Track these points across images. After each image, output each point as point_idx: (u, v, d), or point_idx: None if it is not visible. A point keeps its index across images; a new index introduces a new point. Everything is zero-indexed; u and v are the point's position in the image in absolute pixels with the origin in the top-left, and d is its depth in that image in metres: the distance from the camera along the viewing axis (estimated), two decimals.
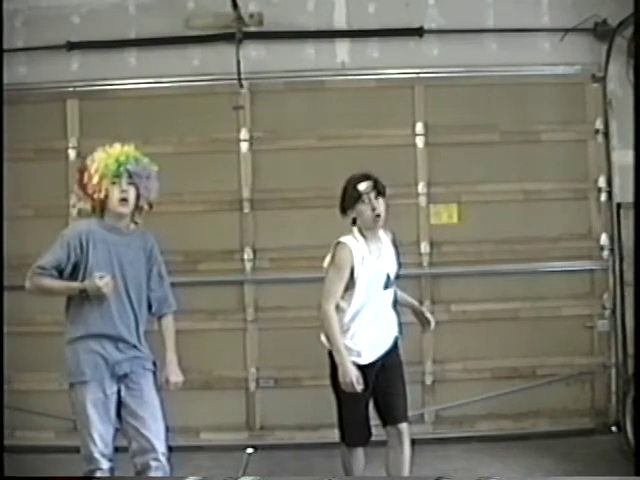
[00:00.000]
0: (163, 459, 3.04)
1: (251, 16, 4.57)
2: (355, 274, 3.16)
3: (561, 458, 4.08)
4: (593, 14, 4.52)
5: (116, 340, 3.04)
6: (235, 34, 4.47)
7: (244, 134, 4.63)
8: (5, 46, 4.21)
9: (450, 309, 4.56)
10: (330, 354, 3.24)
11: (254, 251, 4.60)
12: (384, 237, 3.31)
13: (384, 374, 3.23)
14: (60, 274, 3.01)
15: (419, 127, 4.62)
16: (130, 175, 3.02)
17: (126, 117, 4.62)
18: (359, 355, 3.17)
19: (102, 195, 3.01)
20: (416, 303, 3.55)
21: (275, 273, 4.58)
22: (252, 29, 4.57)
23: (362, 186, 3.18)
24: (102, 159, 3.02)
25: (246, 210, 4.61)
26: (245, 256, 4.58)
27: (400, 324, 3.34)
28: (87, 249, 2.99)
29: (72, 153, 4.62)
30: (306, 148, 4.47)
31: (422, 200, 4.61)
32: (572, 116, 4.65)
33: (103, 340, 3.03)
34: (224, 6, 4.36)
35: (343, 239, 3.20)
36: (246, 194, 4.59)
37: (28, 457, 4.18)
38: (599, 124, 4.62)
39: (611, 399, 4.59)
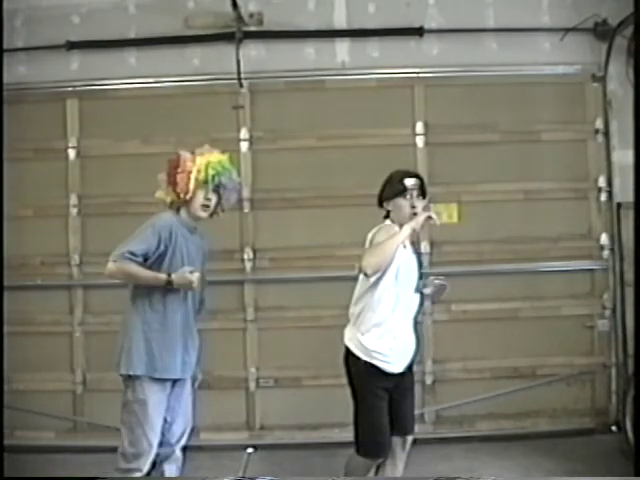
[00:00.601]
0: (179, 452, 3.18)
1: (251, 16, 4.57)
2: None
3: (561, 458, 4.08)
4: (593, 14, 4.52)
5: (187, 339, 3.15)
6: (235, 34, 4.48)
7: (244, 134, 4.63)
8: (5, 46, 4.22)
9: (450, 309, 4.56)
10: (347, 358, 3.17)
11: (254, 251, 4.59)
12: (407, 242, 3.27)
13: (400, 383, 3.19)
14: (144, 262, 3.04)
15: (419, 127, 4.62)
16: (219, 185, 3.12)
17: (126, 117, 4.62)
18: (387, 361, 3.08)
19: (189, 196, 3.09)
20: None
21: (275, 273, 4.58)
22: (252, 29, 4.57)
23: (409, 182, 3.17)
24: (202, 164, 3.09)
25: (246, 210, 4.61)
26: (245, 256, 4.58)
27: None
28: (175, 241, 3.06)
29: (72, 153, 4.62)
30: (306, 148, 4.46)
31: None
32: (572, 116, 4.65)
33: (180, 338, 3.11)
34: (224, 6, 4.36)
35: (387, 222, 3.19)
36: (246, 194, 4.59)
37: (28, 457, 4.17)
38: (599, 124, 4.62)
39: (611, 399, 4.59)
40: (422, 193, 3.20)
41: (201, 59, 4.62)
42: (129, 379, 3.04)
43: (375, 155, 4.54)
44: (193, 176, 3.07)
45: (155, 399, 3.03)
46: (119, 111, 4.63)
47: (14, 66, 4.50)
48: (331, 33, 4.63)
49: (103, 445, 4.43)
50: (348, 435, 4.18)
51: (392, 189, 3.20)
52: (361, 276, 3.15)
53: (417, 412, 4.42)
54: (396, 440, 3.23)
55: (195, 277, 3.01)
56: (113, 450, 4.23)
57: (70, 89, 4.62)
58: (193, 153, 3.15)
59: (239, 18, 4.45)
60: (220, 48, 4.56)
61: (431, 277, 3.24)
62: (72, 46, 4.58)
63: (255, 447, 4.31)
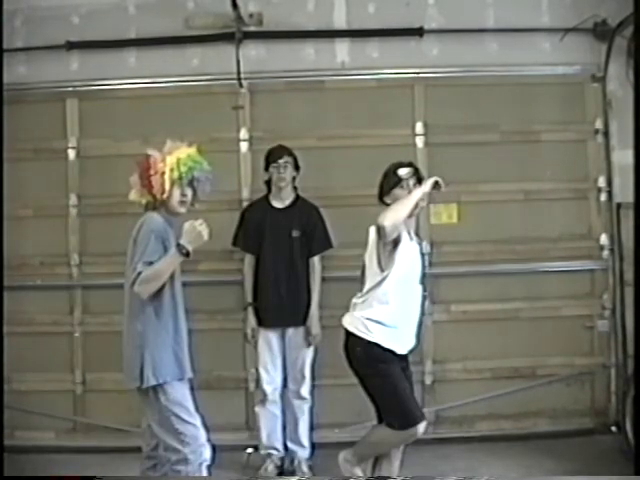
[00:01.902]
0: None
1: (251, 16, 4.57)
2: (400, 245, 3.15)
3: (561, 458, 4.08)
4: (593, 14, 4.52)
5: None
6: (235, 34, 4.47)
7: (244, 134, 4.63)
8: (5, 46, 4.23)
9: (450, 309, 4.56)
10: (347, 343, 3.24)
11: None
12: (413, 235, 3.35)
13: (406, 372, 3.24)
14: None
15: (419, 127, 4.61)
16: (192, 179, 3.11)
17: (126, 117, 4.63)
18: (389, 340, 3.15)
19: (165, 196, 3.08)
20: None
21: None
22: (252, 29, 4.57)
23: (402, 171, 3.24)
24: (173, 163, 3.06)
25: None
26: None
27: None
28: (169, 240, 3.05)
29: (72, 153, 4.62)
30: (306, 148, 4.46)
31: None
32: (572, 116, 4.65)
33: (186, 337, 3.18)
34: (224, 6, 4.36)
35: None
36: (246, 194, 4.58)
37: (28, 457, 4.18)
38: (599, 124, 4.62)
39: (611, 399, 4.59)
40: (418, 181, 3.25)
41: (201, 59, 4.62)
42: (158, 387, 3.02)
43: (375, 155, 4.52)
44: (167, 176, 3.06)
45: (187, 395, 3.08)
46: (119, 111, 4.63)
47: (14, 66, 4.50)
48: (331, 33, 4.63)
49: (103, 445, 4.46)
50: (348, 435, 4.21)
51: (388, 182, 3.29)
52: (374, 269, 3.20)
53: None
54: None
55: (204, 228, 3.00)
56: (113, 450, 4.25)
57: (70, 89, 4.62)
58: (161, 151, 3.13)
59: (239, 18, 4.44)
60: (220, 48, 4.55)
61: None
62: (72, 46, 4.58)
63: (255, 447, 4.31)
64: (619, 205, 4.55)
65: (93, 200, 4.59)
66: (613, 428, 4.49)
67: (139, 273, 2.94)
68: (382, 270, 3.19)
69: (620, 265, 4.54)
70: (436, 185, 3.21)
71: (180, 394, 3.05)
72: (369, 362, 3.17)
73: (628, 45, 4.39)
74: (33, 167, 4.61)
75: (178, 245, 2.97)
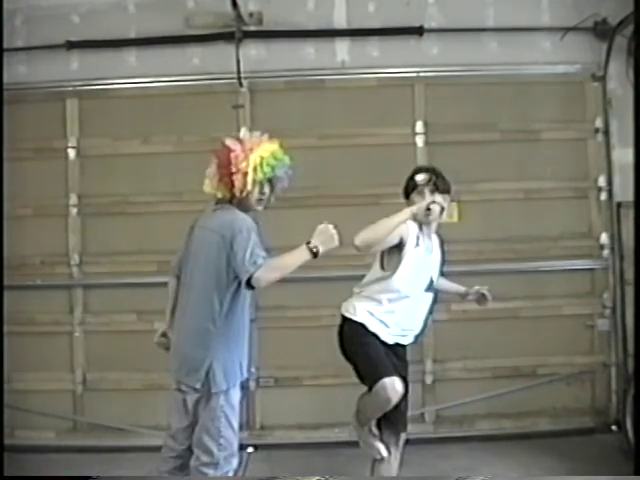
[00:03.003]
0: None
1: (251, 15, 4.57)
2: (404, 250, 3.12)
3: (562, 457, 4.08)
4: (593, 13, 4.52)
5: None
6: (235, 33, 4.48)
7: (244, 133, 4.61)
8: (5, 45, 4.24)
9: (450, 308, 4.54)
10: (341, 329, 3.24)
11: None
12: (435, 240, 3.30)
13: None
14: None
15: (419, 126, 4.61)
16: (272, 178, 3.01)
17: (126, 116, 4.62)
18: (380, 327, 3.15)
19: (245, 194, 2.97)
20: (462, 288, 3.49)
21: None
22: (252, 28, 4.57)
23: (419, 177, 3.21)
24: (256, 163, 2.94)
25: None
26: None
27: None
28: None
29: (72, 152, 4.62)
30: (306, 147, 4.46)
31: None
32: (572, 115, 4.65)
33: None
34: (224, 5, 4.36)
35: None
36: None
37: (28, 457, 4.18)
38: (599, 123, 4.62)
39: (611, 398, 4.59)
40: (437, 188, 3.19)
41: (201, 59, 4.62)
42: (222, 390, 2.96)
43: (375, 154, 4.54)
44: (249, 177, 2.93)
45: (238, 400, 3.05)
46: (119, 111, 4.63)
47: (14, 66, 4.50)
48: (331, 32, 4.63)
49: (103, 445, 4.46)
50: (348, 435, 4.20)
51: (407, 185, 3.26)
52: (376, 266, 3.21)
53: (417, 412, 4.47)
54: (389, 438, 3.24)
55: (335, 232, 2.94)
56: (113, 450, 4.25)
57: (70, 89, 4.62)
58: (241, 143, 2.99)
59: (239, 18, 4.45)
60: (220, 47, 4.55)
61: (476, 287, 3.39)
62: (72, 46, 4.58)
63: (255, 447, 4.31)
64: (619, 204, 4.55)
65: (93, 199, 4.59)
66: (613, 427, 4.49)
67: (261, 259, 2.82)
68: (383, 269, 3.19)
69: (620, 264, 4.54)
70: (428, 210, 3.16)
71: (237, 398, 3.02)
72: (353, 337, 3.19)
73: (628, 44, 4.39)
74: (33, 166, 4.61)
75: (308, 243, 2.91)
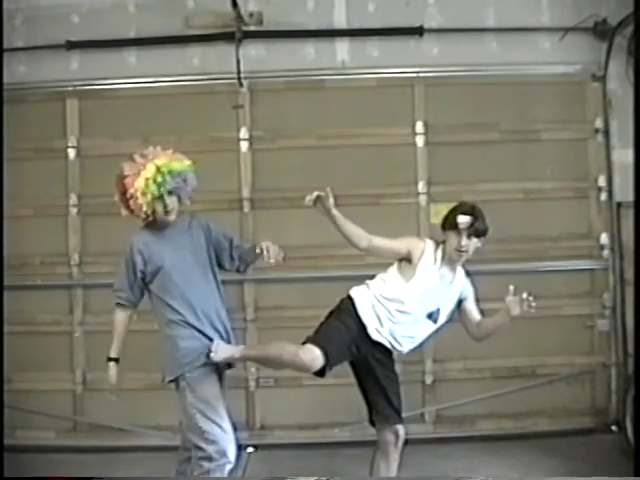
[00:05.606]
0: None
1: (251, 15, 4.57)
2: (416, 267, 3.14)
3: (561, 457, 4.08)
4: (593, 13, 4.52)
5: None
6: (235, 33, 4.47)
7: (244, 133, 4.62)
8: (5, 45, 4.23)
9: None
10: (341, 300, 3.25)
11: None
12: (459, 273, 3.29)
13: (380, 368, 3.23)
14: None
15: (419, 126, 4.61)
16: (171, 191, 3.01)
17: (126, 116, 4.62)
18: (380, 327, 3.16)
19: (144, 214, 3.03)
20: (502, 314, 3.36)
21: (275, 272, 4.55)
22: (252, 28, 4.57)
23: (462, 219, 3.14)
24: (140, 187, 2.95)
25: (246, 209, 4.60)
26: None
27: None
28: (151, 254, 3.14)
29: (72, 152, 4.62)
30: (306, 147, 4.46)
31: (422, 199, 4.61)
32: (572, 115, 4.65)
33: None
34: (224, 5, 4.36)
35: (428, 239, 3.27)
36: (246, 194, 4.59)
37: (28, 457, 4.17)
38: (599, 123, 4.62)
39: (611, 398, 4.59)
40: (476, 233, 3.16)
41: (201, 59, 4.62)
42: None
43: (375, 155, 4.54)
44: (140, 201, 2.97)
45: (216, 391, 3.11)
46: (119, 111, 4.63)
47: (14, 66, 4.51)
48: (331, 32, 4.63)
49: (103, 445, 4.46)
50: (348, 435, 4.21)
51: (447, 221, 3.21)
52: (394, 267, 3.23)
53: (417, 412, 4.47)
54: (388, 438, 3.24)
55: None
56: (113, 450, 4.25)
57: (70, 89, 4.62)
58: (132, 165, 3.01)
59: (239, 18, 4.45)
60: (220, 48, 4.55)
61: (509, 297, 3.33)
62: (72, 46, 4.58)
63: (255, 447, 4.31)
64: (619, 204, 4.55)
65: (93, 199, 4.58)
66: (613, 427, 4.49)
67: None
68: (400, 274, 3.19)
69: (620, 264, 4.55)
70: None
71: (211, 391, 3.08)
72: (340, 311, 3.21)
73: (628, 44, 4.39)
74: (33, 166, 4.61)
75: None
